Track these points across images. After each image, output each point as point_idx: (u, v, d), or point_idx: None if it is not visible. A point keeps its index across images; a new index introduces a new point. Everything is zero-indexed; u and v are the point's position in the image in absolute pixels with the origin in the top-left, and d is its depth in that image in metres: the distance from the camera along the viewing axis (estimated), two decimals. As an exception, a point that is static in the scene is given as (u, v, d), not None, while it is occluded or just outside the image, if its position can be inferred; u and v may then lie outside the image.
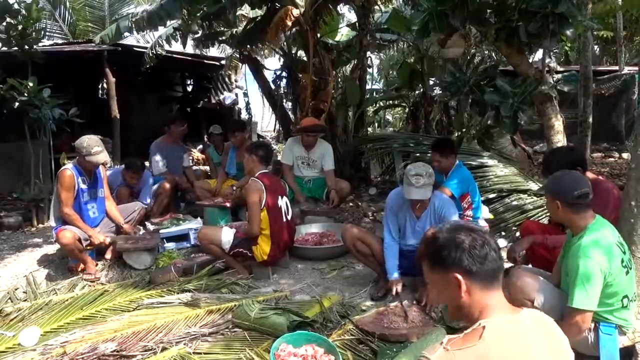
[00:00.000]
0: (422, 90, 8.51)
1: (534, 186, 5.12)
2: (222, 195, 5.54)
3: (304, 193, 5.61)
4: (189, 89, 13.47)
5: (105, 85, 8.44)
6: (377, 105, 10.44)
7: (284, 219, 4.19)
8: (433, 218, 3.63)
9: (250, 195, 4.02)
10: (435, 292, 1.57)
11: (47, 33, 11.05)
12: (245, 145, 5.93)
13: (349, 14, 10.52)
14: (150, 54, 8.57)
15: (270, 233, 4.05)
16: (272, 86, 8.77)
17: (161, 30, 8.75)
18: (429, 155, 5.58)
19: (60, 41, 10.73)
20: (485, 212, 4.53)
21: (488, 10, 4.31)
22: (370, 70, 10.10)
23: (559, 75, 10.07)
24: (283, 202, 4.22)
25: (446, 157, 4.22)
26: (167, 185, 5.59)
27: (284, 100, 9.15)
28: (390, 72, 14.06)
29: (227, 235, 4.12)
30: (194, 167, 8.15)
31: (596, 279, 2.25)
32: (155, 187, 5.61)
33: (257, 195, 3.99)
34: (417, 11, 4.04)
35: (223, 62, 12.04)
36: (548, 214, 4.16)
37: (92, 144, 4.26)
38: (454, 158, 4.26)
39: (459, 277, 1.44)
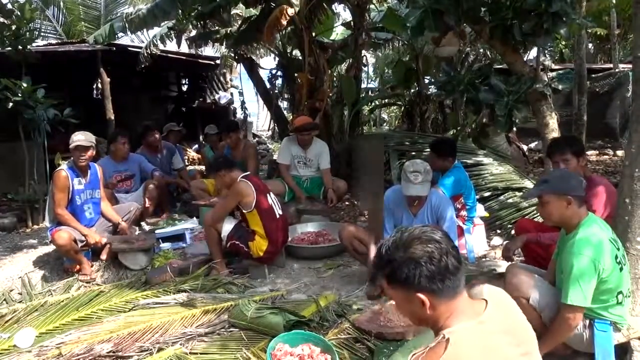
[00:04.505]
0: (417, 88, 8.53)
1: (529, 184, 5.14)
2: (221, 194, 5.51)
3: (302, 192, 5.62)
4: (184, 88, 13.44)
5: (99, 85, 8.41)
6: (373, 104, 10.46)
7: (277, 215, 4.19)
8: (430, 215, 3.65)
9: (230, 195, 4.03)
10: (396, 305, 1.50)
11: (42, 33, 11.01)
12: (240, 145, 5.95)
13: (344, 12, 10.54)
14: (145, 54, 8.53)
15: (266, 232, 4.04)
16: (268, 85, 8.78)
17: (156, 29, 8.72)
18: (424, 153, 5.61)
19: (54, 41, 10.67)
20: (480, 210, 4.55)
21: (483, 9, 4.32)
22: (365, 69, 10.11)
23: (554, 74, 10.08)
24: (272, 198, 4.22)
25: (442, 159, 4.23)
26: (153, 185, 5.47)
27: (280, 100, 9.15)
28: (386, 70, 14.06)
29: (229, 222, 4.10)
30: (189, 167, 8.14)
31: (590, 275, 2.26)
32: (141, 188, 5.58)
33: (238, 198, 4.00)
34: (412, 9, 4.03)
35: (218, 61, 12.02)
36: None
37: (75, 135, 4.31)
38: (452, 160, 4.27)
39: (422, 296, 1.38)
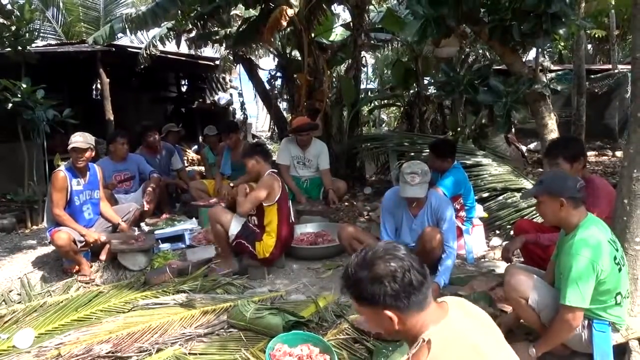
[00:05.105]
0: (416, 89, 8.53)
1: (527, 185, 5.14)
2: (221, 195, 5.51)
3: (302, 193, 5.61)
4: (184, 89, 13.44)
5: (99, 86, 8.42)
6: (372, 104, 10.46)
7: (291, 220, 4.24)
8: (430, 217, 3.66)
9: (262, 185, 4.03)
10: (367, 321, 1.57)
11: (41, 34, 11.02)
12: (240, 145, 5.94)
13: (343, 13, 10.53)
14: (144, 55, 8.53)
15: (277, 229, 4.06)
16: (267, 86, 8.78)
17: (155, 30, 8.72)
18: (423, 154, 5.62)
19: (53, 42, 10.68)
20: (479, 211, 4.56)
21: (482, 10, 4.32)
22: (364, 69, 10.14)
23: (553, 74, 10.07)
24: (289, 203, 4.26)
25: (441, 160, 4.24)
26: (151, 187, 5.42)
27: (279, 100, 9.16)
28: (385, 71, 14.08)
29: (237, 222, 4.11)
30: (188, 168, 8.14)
31: (588, 276, 2.26)
32: (140, 189, 5.58)
33: (269, 189, 4.00)
34: (413, 19, 4.02)
35: (217, 62, 12.04)
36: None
37: (74, 136, 4.32)
38: (451, 161, 4.27)
39: (390, 313, 1.42)
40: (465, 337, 1.42)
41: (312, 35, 7.04)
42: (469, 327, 1.46)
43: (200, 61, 11.20)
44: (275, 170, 4.31)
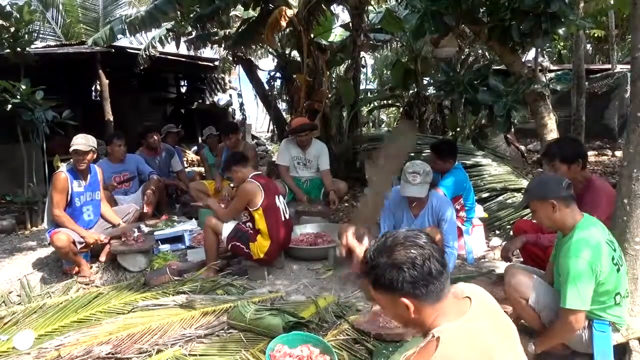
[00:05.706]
0: (415, 89, 8.53)
1: (527, 184, 5.14)
2: (221, 195, 5.50)
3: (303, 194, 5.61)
4: (183, 90, 13.45)
5: (98, 87, 8.43)
6: (372, 105, 10.46)
7: (283, 218, 4.20)
8: (431, 217, 3.65)
9: (238, 196, 4.05)
10: (382, 308, 1.53)
11: (41, 35, 11.03)
12: (239, 146, 5.94)
13: (342, 14, 10.54)
14: (144, 55, 8.54)
15: (269, 231, 4.04)
16: (266, 87, 8.79)
17: (154, 31, 8.73)
18: (423, 154, 5.61)
19: (53, 43, 10.68)
20: (479, 211, 4.56)
21: (481, 10, 4.33)
22: (364, 70, 10.13)
23: (552, 74, 10.06)
24: (280, 201, 4.23)
25: (443, 160, 4.23)
26: (151, 190, 5.44)
27: (278, 101, 9.16)
28: (384, 71, 14.08)
29: (228, 226, 4.11)
30: (188, 169, 8.14)
31: (587, 278, 2.26)
32: (140, 189, 5.58)
33: (247, 197, 4.00)
34: (411, 13, 4.03)
35: (217, 63, 12.04)
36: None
37: (76, 138, 4.31)
38: (452, 161, 4.27)
39: (406, 301, 1.40)
40: (479, 340, 1.38)
41: (312, 36, 7.04)
42: (485, 330, 1.42)
43: (199, 62, 11.21)
44: (259, 172, 4.29)
